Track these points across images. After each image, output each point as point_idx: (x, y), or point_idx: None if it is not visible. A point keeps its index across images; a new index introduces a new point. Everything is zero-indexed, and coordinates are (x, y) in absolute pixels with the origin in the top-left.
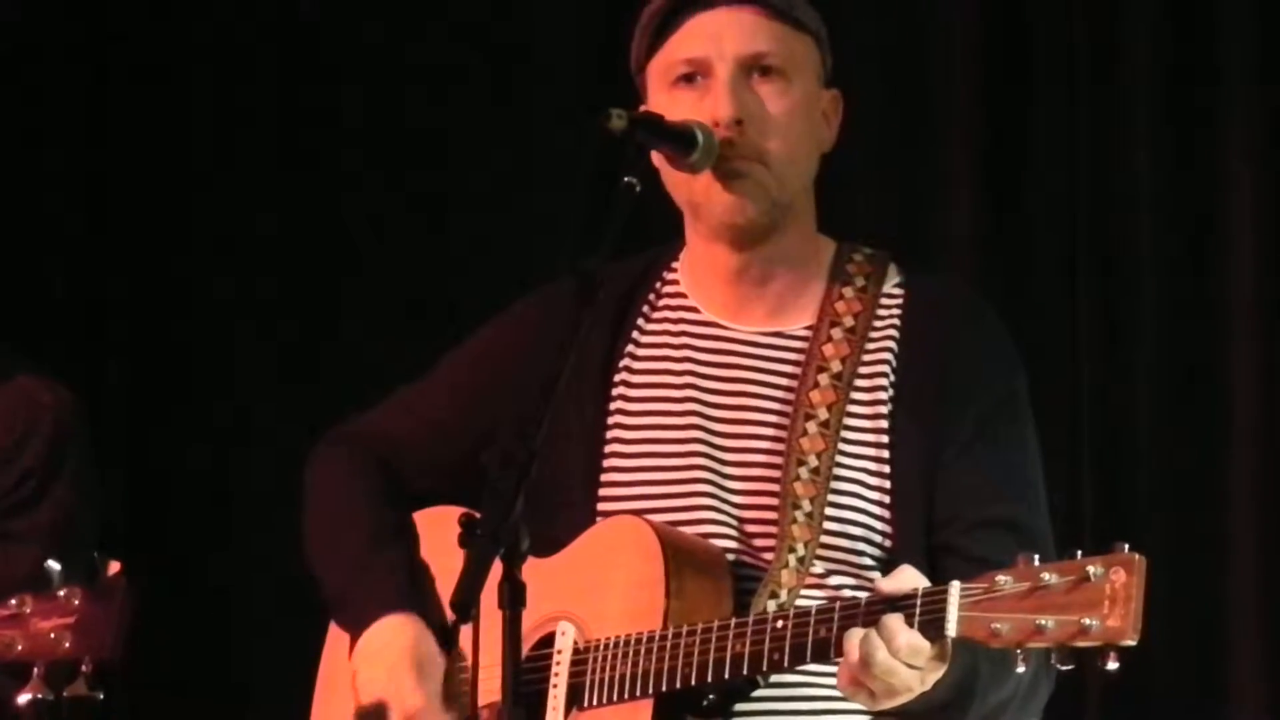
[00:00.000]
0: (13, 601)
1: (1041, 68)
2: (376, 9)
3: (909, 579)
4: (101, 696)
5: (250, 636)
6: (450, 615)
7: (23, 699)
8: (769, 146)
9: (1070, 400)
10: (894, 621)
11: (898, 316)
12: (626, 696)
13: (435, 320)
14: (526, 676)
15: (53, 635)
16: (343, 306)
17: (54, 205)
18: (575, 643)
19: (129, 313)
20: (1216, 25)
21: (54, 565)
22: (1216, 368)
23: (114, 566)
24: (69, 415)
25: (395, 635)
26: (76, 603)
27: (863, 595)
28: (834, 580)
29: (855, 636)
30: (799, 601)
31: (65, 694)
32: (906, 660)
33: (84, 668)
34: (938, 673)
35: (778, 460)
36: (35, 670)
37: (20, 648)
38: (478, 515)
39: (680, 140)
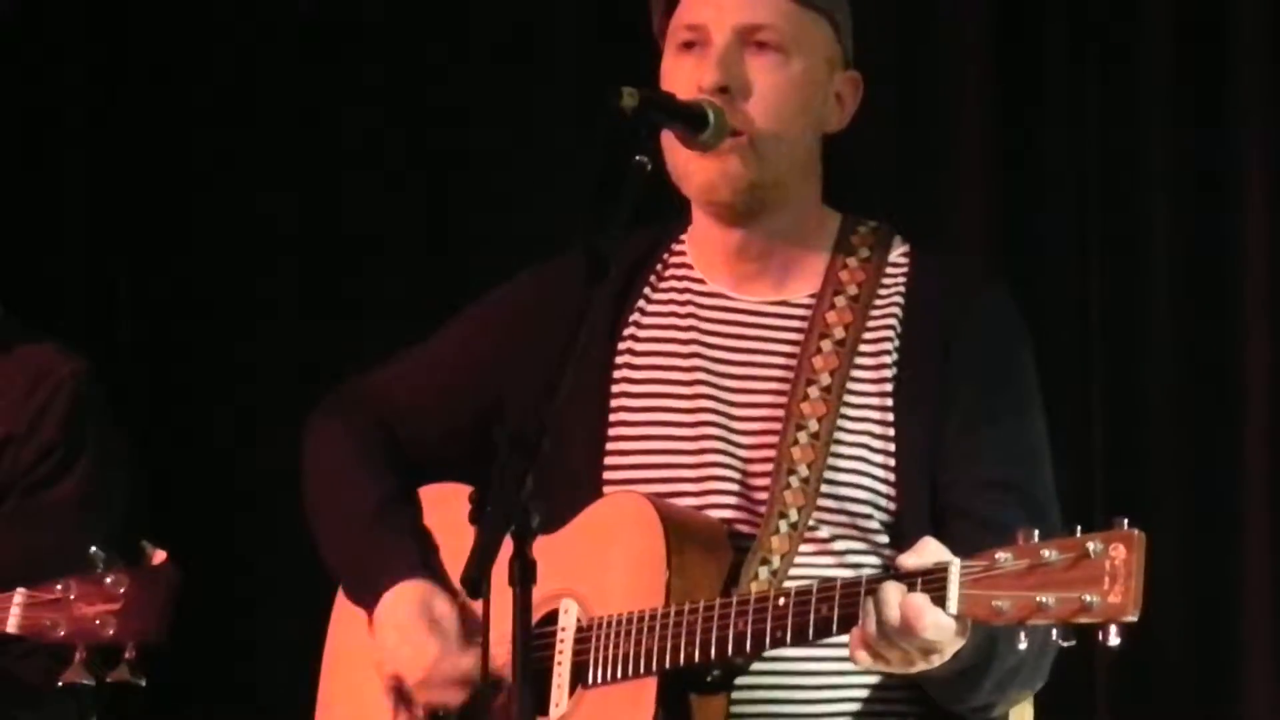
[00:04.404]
0: (58, 586)
1: (1052, 64)
2: (376, 8)
3: (932, 552)
4: (144, 683)
5: (255, 633)
6: (458, 588)
7: (61, 681)
8: (754, 119)
9: (1081, 391)
10: (920, 598)
11: (902, 284)
12: (631, 674)
13: (436, 319)
14: (531, 654)
15: (97, 620)
16: (344, 305)
17: (56, 203)
18: (578, 620)
19: (131, 312)
20: (1229, 24)
21: (97, 551)
22: (1228, 357)
23: (160, 554)
24: (86, 385)
25: (406, 598)
26: (122, 590)
27: (870, 560)
28: (840, 545)
29: (897, 592)
30: (798, 569)
31: (109, 679)
32: (933, 637)
33: (127, 654)
34: (956, 646)
35: (778, 426)
36: (77, 655)
37: (62, 631)
38: (487, 491)
39: (692, 119)
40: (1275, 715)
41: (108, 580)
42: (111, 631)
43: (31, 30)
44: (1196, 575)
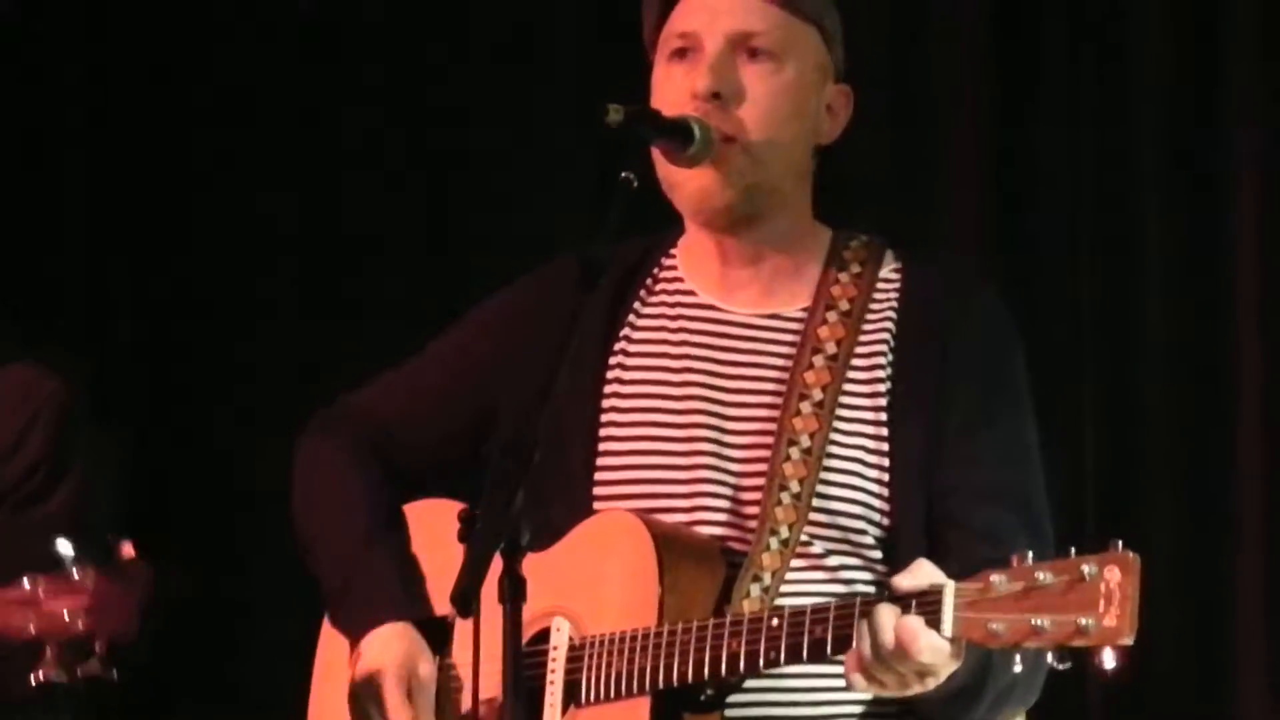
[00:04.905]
0: (25, 583)
1: (1047, 64)
2: (376, 8)
3: (926, 574)
4: (115, 676)
5: (252, 633)
6: (446, 611)
7: (35, 679)
8: (746, 125)
9: (1074, 391)
10: (915, 621)
11: (895, 299)
12: (624, 693)
13: (437, 319)
14: (523, 673)
15: (66, 616)
16: (344, 305)
17: (56, 203)
18: (570, 638)
19: (131, 312)
20: (1224, 24)
21: (65, 546)
22: (1221, 358)
23: (128, 548)
24: (72, 401)
25: (387, 648)
26: (90, 584)
27: (864, 575)
28: (834, 560)
29: (891, 615)
30: (790, 586)
31: (80, 674)
32: (928, 660)
33: (98, 649)
34: (951, 668)
35: (771, 441)
36: (48, 651)
37: (33, 629)
38: (475, 509)
39: (677, 134)
40: (1269, 718)
41: (76, 576)
42: (81, 626)
43: (31, 30)
44: (1189, 578)
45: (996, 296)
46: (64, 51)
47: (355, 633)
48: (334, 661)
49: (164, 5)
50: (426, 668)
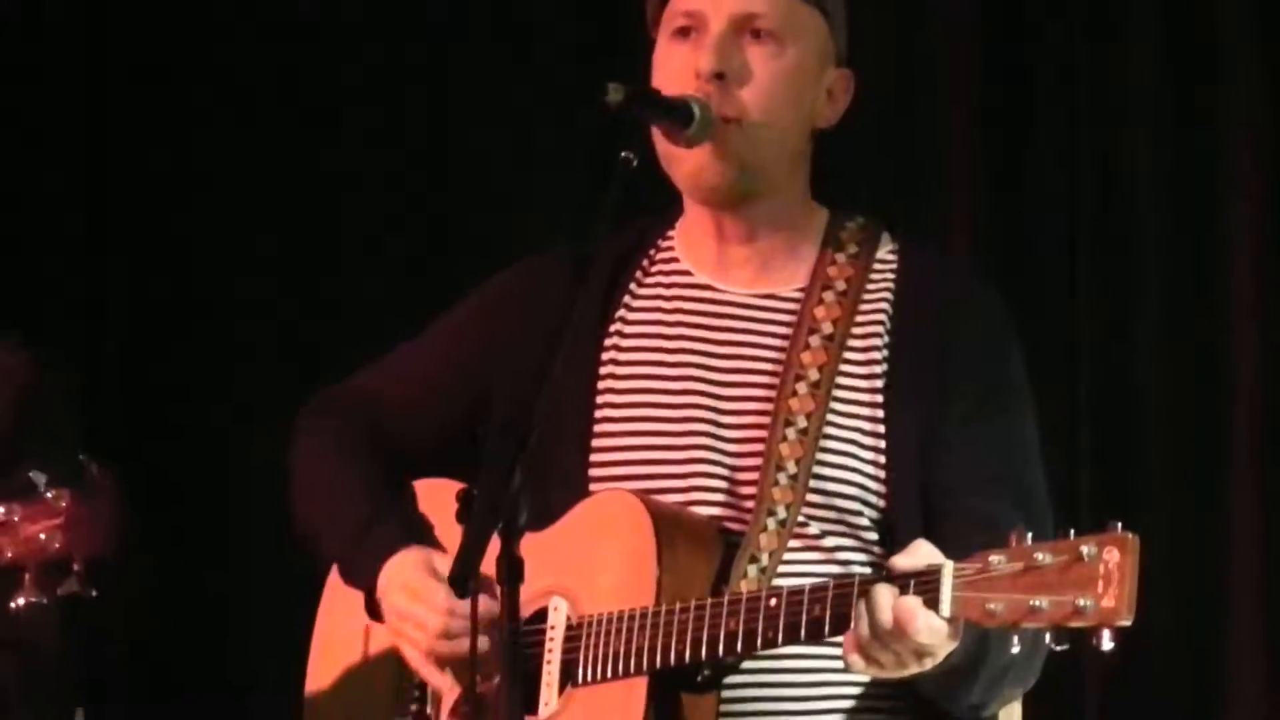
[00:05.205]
0: (0, 510)
1: (1043, 63)
2: (377, 8)
3: (924, 554)
4: (95, 594)
5: (248, 633)
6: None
7: (17, 604)
8: (747, 106)
9: (1069, 391)
10: (913, 601)
11: (891, 280)
12: (620, 673)
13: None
14: (521, 652)
15: (42, 537)
16: (342, 306)
17: (55, 203)
18: (568, 618)
19: (130, 312)
20: (1220, 24)
21: (37, 473)
22: (1217, 358)
23: (95, 467)
24: (34, 378)
25: (407, 562)
26: (64, 504)
27: (859, 557)
28: (829, 541)
29: (889, 594)
30: (786, 566)
31: (59, 593)
32: (926, 640)
33: (75, 566)
34: (948, 648)
35: (767, 421)
36: (26, 575)
37: (10, 554)
38: (474, 489)
39: (677, 114)
40: (1263, 714)
41: (49, 497)
42: (58, 545)
43: (31, 30)
44: (1185, 576)
45: (997, 295)
46: (64, 51)
47: (370, 571)
48: (333, 633)
49: (164, 5)
50: (445, 564)
